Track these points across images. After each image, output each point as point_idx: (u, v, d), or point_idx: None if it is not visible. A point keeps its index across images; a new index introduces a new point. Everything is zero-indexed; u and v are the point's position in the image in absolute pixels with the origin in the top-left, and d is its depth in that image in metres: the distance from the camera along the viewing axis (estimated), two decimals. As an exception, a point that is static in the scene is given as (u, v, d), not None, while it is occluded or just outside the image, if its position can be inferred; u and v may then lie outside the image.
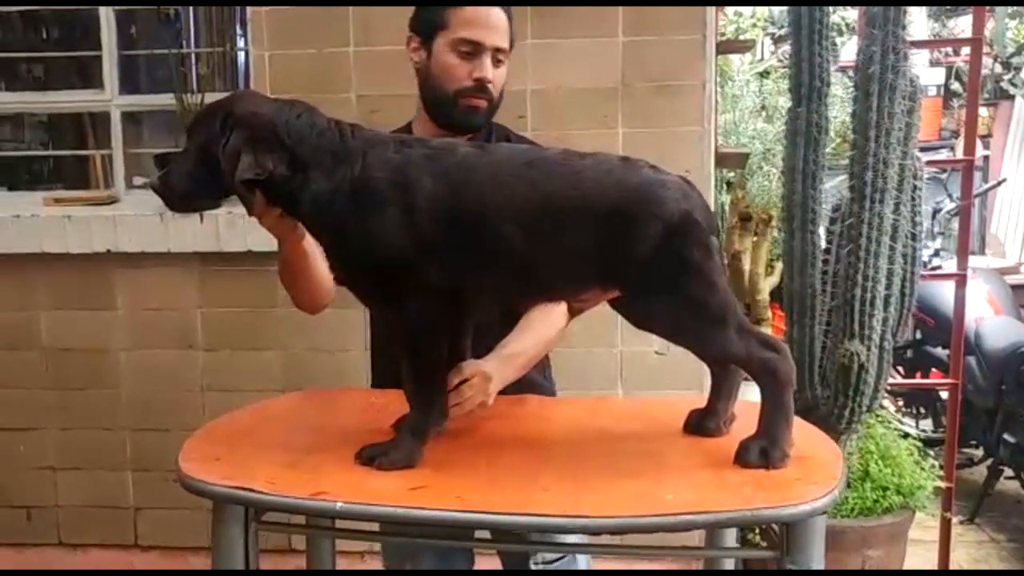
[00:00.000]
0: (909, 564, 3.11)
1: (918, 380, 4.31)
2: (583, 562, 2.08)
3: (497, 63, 1.92)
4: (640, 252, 1.48)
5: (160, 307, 3.16)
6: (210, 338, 3.16)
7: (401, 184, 1.52)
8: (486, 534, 1.70)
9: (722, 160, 3.19)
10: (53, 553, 3.29)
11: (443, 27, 1.90)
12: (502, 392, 1.82)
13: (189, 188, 1.60)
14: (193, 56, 3.39)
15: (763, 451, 1.48)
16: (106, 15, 3.23)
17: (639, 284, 1.52)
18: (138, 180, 3.41)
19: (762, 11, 6.16)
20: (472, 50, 1.89)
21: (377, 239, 1.52)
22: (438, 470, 1.50)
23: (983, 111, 6.53)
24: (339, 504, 1.38)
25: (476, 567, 2.17)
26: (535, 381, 2.04)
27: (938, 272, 4.00)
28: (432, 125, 1.98)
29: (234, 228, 3.01)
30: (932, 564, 3.21)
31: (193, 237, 3.05)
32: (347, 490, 1.42)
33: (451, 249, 1.52)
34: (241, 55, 3.35)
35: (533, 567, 2.00)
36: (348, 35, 3.00)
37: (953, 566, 3.23)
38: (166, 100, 3.17)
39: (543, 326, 1.93)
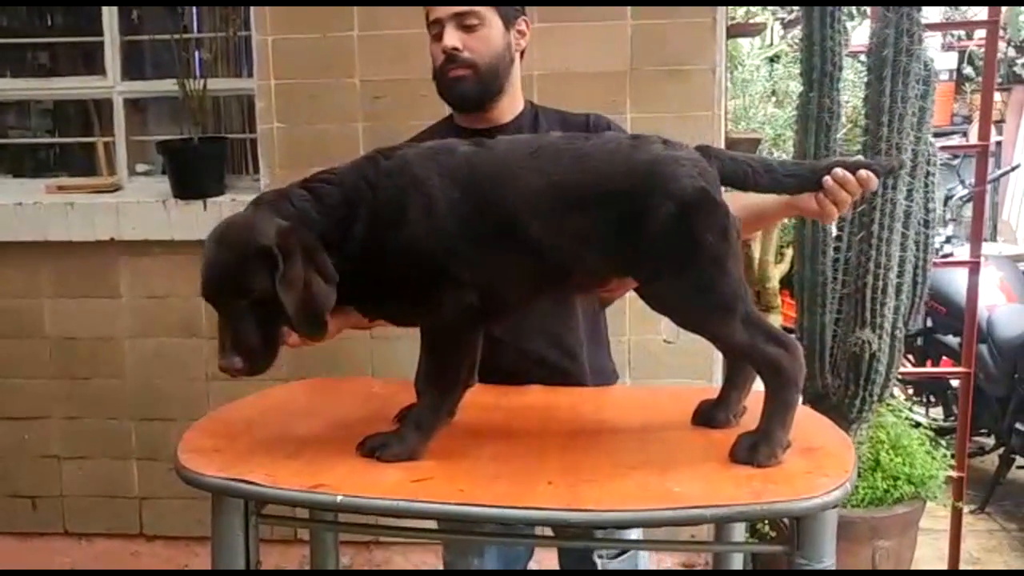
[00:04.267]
0: (920, 554, 3.08)
1: (930, 368, 4.27)
2: (644, 560, 2.05)
3: (467, 29, 1.89)
4: (651, 233, 1.43)
5: (164, 295, 3.14)
6: (214, 327, 3.10)
7: (410, 184, 1.48)
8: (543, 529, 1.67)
9: (732, 146, 3.14)
10: (58, 542, 3.29)
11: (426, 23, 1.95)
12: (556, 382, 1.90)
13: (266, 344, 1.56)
14: (195, 41, 3.35)
15: (752, 447, 1.43)
16: (108, 0, 3.18)
17: (652, 267, 1.47)
18: (141, 167, 3.38)
19: (773, -5, 6.08)
20: (437, 30, 1.91)
21: (409, 243, 1.46)
22: (441, 462, 1.48)
23: (996, 96, 6.46)
24: (339, 497, 1.35)
25: (535, 559, 2.17)
26: (605, 368, 2.07)
27: (951, 259, 3.96)
28: (461, 116, 1.99)
29: (238, 215, 2.97)
30: (943, 554, 3.18)
31: (196, 224, 3.02)
32: (348, 482, 1.39)
33: (472, 246, 1.47)
34: (245, 40, 3.31)
35: (597, 559, 1.97)
36: (352, 20, 2.96)
37: (964, 556, 3.20)
38: (168, 86, 3.13)
39: None
